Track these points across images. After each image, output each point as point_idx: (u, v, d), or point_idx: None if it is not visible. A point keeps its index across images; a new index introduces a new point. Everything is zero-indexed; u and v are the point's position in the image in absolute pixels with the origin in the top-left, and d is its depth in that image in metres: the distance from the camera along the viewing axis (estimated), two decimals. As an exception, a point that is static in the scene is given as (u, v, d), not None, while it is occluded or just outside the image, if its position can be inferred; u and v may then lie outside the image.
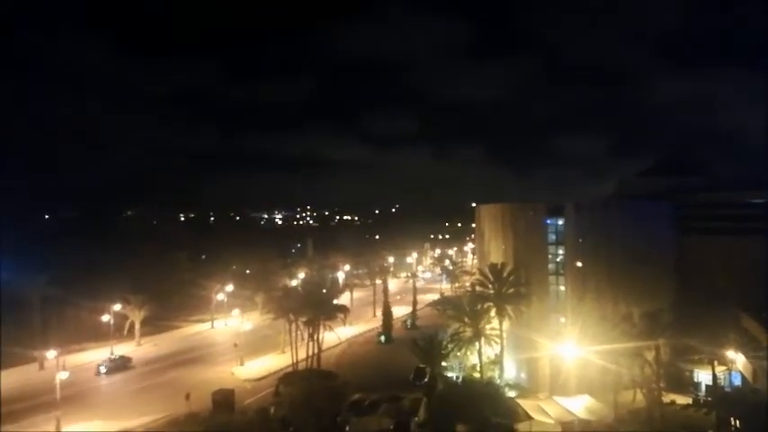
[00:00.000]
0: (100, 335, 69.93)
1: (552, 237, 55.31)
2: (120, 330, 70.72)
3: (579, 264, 53.60)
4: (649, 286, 49.32)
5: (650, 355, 44.01)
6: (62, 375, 45.77)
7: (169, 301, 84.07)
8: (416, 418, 43.34)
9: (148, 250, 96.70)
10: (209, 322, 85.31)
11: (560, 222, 54.78)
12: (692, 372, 51.20)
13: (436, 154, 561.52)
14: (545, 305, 54.40)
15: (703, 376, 50.27)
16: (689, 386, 50.78)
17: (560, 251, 54.75)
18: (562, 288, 54.20)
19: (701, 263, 53.76)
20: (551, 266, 55.16)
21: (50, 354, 50.53)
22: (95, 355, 66.05)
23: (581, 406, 42.58)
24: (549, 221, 55.44)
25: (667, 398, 46.29)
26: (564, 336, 50.14)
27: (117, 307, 70.58)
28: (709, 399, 45.23)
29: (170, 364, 63.81)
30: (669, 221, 56.95)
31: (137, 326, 72.07)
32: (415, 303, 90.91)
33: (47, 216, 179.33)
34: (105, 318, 69.84)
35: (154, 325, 77.72)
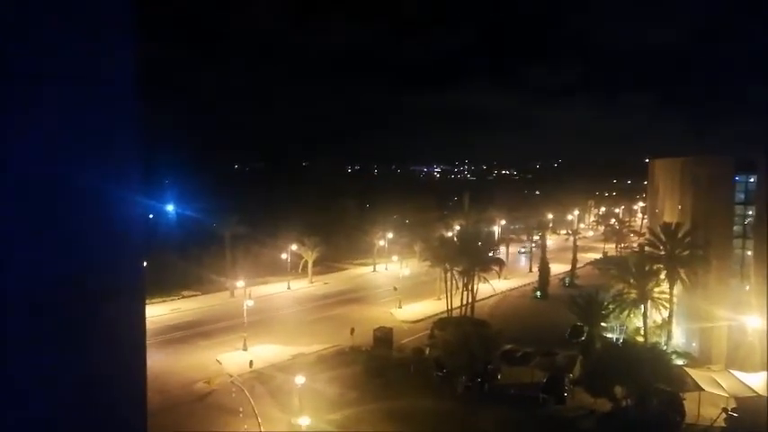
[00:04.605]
0: (278, 270, 78.55)
1: (740, 195, 49.27)
2: (295, 268, 78.78)
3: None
4: None
5: None
6: (248, 303, 52.90)
7: (337, 244, 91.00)
8: (570, 375, 42.70)
9: (321, 197, 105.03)
10: (372, 266, 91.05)
11: (751, 180, 48.45)
12: None
13: (605, 106, 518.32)
14: (726, 270, 49.09)
15: None
16: None
17: (749, 212, 48.66)
18: (749, 253, 48.39)
19: None
20: (737, 228, 49.40)
21: (239, 284, 58.74)
22: (275, 288, 74.94)
23: (763, 383, 38.58)
24: (736, 178, 49.35)
25: None
26: (747, 305, 45.24)
27: (294, 247, 78.58)
28: None
29: (337, 301, 69.89)
30: None
31: (309, 265, 79.24)
32: (574, 261, 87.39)
33: (236, 166, 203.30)
34: (283, 256, 78.55)
35: (324, 265, 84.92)
